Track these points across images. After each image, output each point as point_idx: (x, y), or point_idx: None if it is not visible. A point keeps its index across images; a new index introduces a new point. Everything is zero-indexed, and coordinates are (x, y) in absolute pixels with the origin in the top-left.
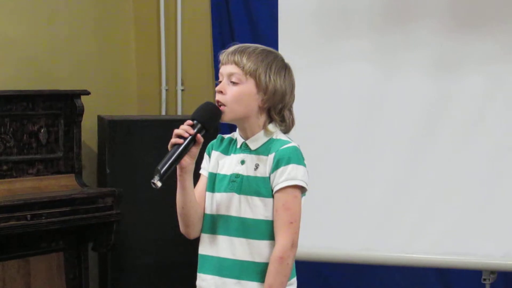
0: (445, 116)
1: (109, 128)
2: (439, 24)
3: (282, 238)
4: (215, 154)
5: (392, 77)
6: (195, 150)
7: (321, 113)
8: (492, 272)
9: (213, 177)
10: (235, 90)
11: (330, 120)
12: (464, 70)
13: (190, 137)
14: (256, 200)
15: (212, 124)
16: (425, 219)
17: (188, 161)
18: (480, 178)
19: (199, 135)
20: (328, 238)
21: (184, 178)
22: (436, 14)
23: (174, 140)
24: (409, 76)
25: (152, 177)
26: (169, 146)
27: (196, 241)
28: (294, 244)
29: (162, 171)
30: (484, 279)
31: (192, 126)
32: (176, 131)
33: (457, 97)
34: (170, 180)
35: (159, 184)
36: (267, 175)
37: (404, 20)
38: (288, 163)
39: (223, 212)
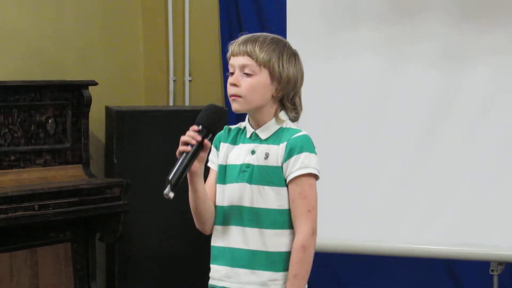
0: (452, 107)
1: (117, 118)
2: (447, 16)
3: (302, 227)
4: (224, 146)
5: (399, 69)
6: (203, 155)
7: (328, 104)
8: (500, 263)
9: (223, 169)
10: (250, 81)
11: (337, 112)
12: (472, 62)
13: (197, 143)
14: (268, 189)
15: (218, 126)
16: (433, 210)
17: (197, 166)
18: (488, 169)
19: (206, 140)
20: (336, 229)
21: (195, 181)
22: (443, 6)
23: (182, 148)
24: (417, 67)
25: (164, 188)
26: (177, 154)
27: (208, 233)
28: (314, 232)
29: (173, 181)
30: (492, 270)
31: (198, 131)
32: (183, 138)
33: (465, 88)
34: None
35: (171, 195)
36: (279, 164)
37: (411, 12)
38: (301, 151)
39: (235, 203)
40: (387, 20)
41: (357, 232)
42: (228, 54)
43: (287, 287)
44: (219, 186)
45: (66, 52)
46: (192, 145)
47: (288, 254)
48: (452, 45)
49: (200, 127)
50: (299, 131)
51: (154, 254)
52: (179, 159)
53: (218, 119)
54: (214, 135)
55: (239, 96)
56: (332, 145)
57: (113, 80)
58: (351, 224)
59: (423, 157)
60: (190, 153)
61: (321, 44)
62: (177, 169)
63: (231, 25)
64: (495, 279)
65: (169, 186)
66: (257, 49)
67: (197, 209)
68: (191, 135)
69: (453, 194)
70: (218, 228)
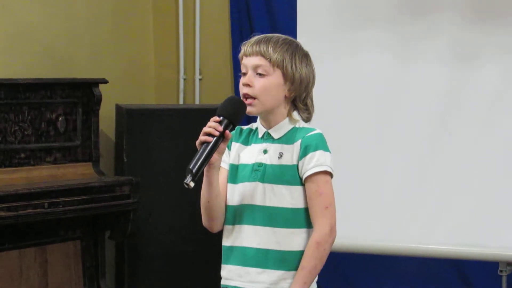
0: (462, 106)
1: (127, 116)
2: (457, 15)
3: (319, 223)
4: (235, 146)
5: (409, 67)
6: (223, 146)
7: (338, 103)
8: (508, 263)
9: (234, 168)
10: (264, 82)
11: (347, 110)
12: (482, 61)
13: (219, 134)
14: (281, 188)
15: (239, 118)
16: (442, 210)
17: (216, 157)
18: (497, 169)
19: (227, 131)
20: (344, 228)
21: (211, 174)
22: (453, 5)
23: (203, 138)
24: (427, 66)
25: (184, 178)
26: (197, 144)
27: (215, 231)
28: (332, 229)
29: (194, 171)
30: (501, 271)
31: (219, 122)
32: (205, 129)
33: (475, 87)
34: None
35: (192, 184)
36: (294, 163)
37: (421, 11)
38: (316, 149)
39: (247, 202)
40: (397, 19)
41: (365, 231)
42: (241, 55)
43: (295, 278)
44: (229, 185)
45: (77, 50)
46: (213, 136)
47: (301, 253)
48: (462, 44)
49: (221, 118)
50: (313, 129)
51: (164, 252)
52: (200, 149)
53: (240, 111)
54: (234, 126)
55: (253, 98)
56: (342, 143)
57: (123, 78)
58: (359, 224)
59: (432, 156)
60: (211, 144)
61: (332, 43)
62: (198, 159)
63: (242, 24)
64: (504, 280)
65: (190, 175)
66: (270, 50)
67: (209, 204)
68: (213, 125)
69: (462, 194)
70: (228, 227)
